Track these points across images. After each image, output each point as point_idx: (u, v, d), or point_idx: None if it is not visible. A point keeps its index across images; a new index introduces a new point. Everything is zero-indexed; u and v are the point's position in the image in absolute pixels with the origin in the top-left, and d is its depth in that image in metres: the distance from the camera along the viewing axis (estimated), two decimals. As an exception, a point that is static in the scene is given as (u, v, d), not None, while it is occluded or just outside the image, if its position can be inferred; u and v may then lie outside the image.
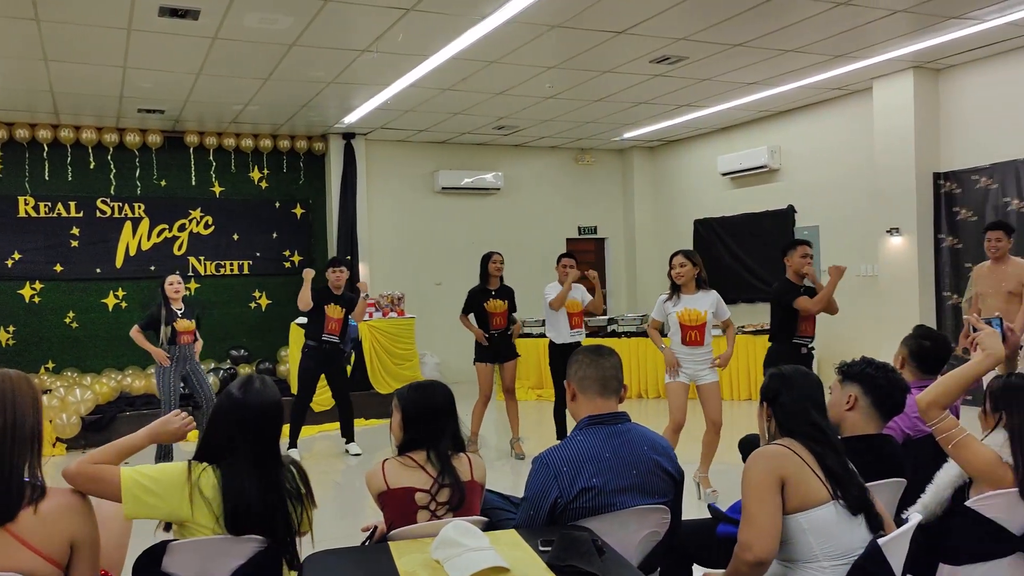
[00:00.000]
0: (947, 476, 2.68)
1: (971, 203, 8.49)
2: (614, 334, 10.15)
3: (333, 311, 7.15)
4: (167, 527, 2.41)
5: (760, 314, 10.19)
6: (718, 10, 6.51)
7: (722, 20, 6.73)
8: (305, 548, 2.50)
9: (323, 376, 7.50)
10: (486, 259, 7.02)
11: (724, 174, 11.35)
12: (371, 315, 9.38)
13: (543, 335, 9.96)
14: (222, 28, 6.48)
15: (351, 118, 10.04)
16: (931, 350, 3.47)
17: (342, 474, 7.06)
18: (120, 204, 10.27)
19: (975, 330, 2.81)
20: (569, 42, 7.19)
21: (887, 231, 8.96)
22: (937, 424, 2.63)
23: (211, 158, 10.73)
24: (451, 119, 10.31)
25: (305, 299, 7.04)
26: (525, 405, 9.69)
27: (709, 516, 3.06)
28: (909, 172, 8.74)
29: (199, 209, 10.66)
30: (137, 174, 10.36)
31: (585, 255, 12.15)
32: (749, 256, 11.00)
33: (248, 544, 2.35)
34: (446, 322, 7.10)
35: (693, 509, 4.74)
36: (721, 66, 8.17)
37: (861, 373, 2.86)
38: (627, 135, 11.85)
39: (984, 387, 2.85)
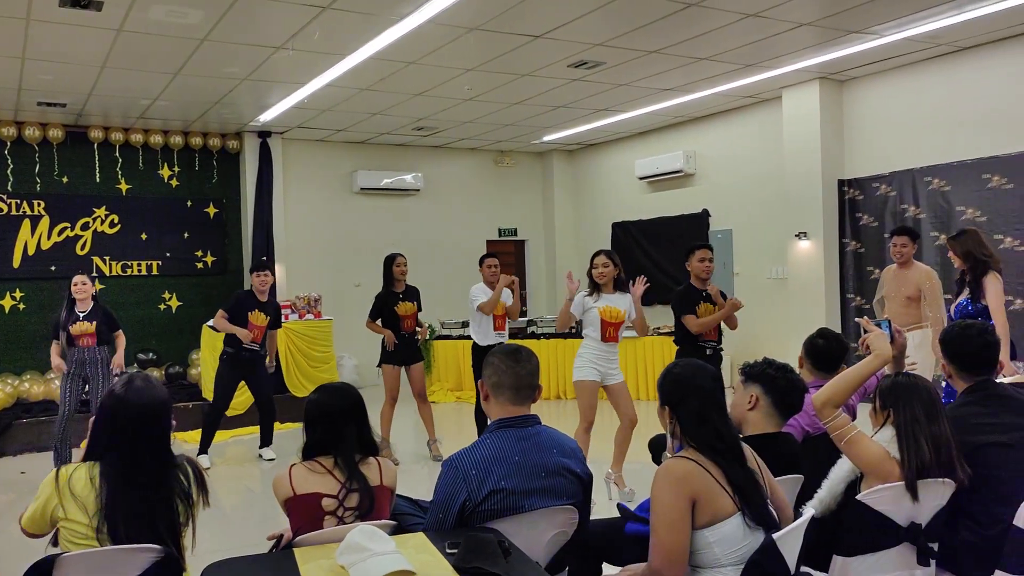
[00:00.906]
0: (840, 471, 2.79)
1: (872, 209, 8.87)
2: (533, 335, 10.21)
3: (257, 318, 6.93)
4: (55, 542, 2.33)
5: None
6: (634, 17, 6.63)
7: (638, 27, 6.86)
8: (196, 559, 2.43)
9: (242, 382, 7.29)
10: (390, 261, 6.90)
11: (641, 178, 11.56)
12: (287, 317, 9.19)
13: (463, 336, 9.99)
14: (127, 20, 6.23)
15: (267, 116, 9.81)
16: (824, 348, 3.60)
17: (255, 480, 6.89)
18: (18, 201, 9.77)
19: (866, 332, 2.95)
20: (488, 45, 7.21)
21: (795, 235, 9.30)
22: (830, 422, 2.75)
23: (117, 154, 10.30)
24: (370, 119, 10.20)
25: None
26: (445, 407, 9.67)
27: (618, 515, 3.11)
28: (816, 178, 9.08)
29: (104, 207, 10.24)
30: (37, 170, 9.87)
31: (505, 257, 12.19)
32: (665, 259, 11.22)
33: (143, 555, 2.27)
34: (365, 324, 6.99)
35: (605, 509, 4.80)
36: (637, 72, 8.33)
37: (762, 374, 2.96)
38: (547, 138, 11.96)
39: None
